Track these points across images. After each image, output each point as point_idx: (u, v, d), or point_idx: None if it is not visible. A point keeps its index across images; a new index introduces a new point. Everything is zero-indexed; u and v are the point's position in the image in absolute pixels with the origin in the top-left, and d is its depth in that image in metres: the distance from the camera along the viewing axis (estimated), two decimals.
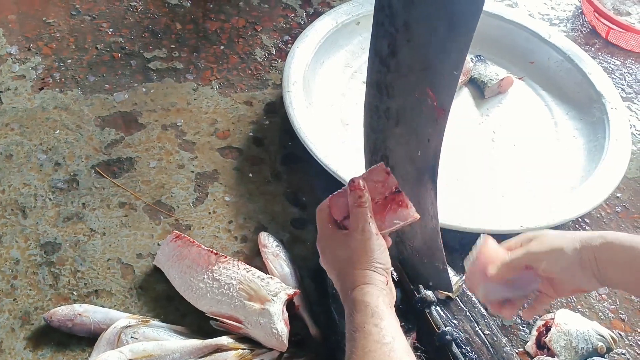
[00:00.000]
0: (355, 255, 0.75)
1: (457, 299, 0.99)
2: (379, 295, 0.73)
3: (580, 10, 1.87)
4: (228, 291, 1.00)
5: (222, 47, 1.57)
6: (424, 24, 0.69)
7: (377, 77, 0.81)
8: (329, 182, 1.19)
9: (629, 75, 1.67)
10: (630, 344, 1.11)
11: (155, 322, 1.01)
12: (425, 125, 0.77)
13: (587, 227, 1.28)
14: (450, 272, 0.99)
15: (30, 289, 1.06)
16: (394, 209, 0.79)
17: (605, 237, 0.76)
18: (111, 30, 1.56)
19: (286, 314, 0.98)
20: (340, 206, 0.80)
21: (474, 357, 0.91)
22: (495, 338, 0.95)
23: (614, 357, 1.08)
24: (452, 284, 0.98)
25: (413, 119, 0.79)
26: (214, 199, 1.23)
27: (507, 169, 1.34)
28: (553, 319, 1.08)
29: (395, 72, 0.77)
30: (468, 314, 0.97)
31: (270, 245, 1.13)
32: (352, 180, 0.78)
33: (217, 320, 0.99)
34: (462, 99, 1.48)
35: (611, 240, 0.75)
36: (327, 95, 1.44)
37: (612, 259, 0.75)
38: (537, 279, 0.80)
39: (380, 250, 0.76)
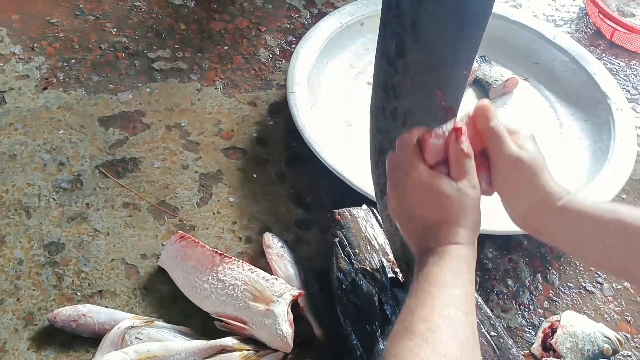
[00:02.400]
0: (457, 210, 0.66)
1: None
2: (471, 259, 0.65)
3: (584, 12, 1.87)
4: (233, 292, 1.00)
5: (226, 48, 1.56)
6: (432, 23, 0.69)
7: (384, 78, 0.80)
8: (334, 183, 1.19)
9: (633, 76, 1.67)
10: (636, 346, 1.10)
11: (159, 322, 1.01)
12: (433, 125, 0.76)
13: None
14: None
15: (33, 289, 1.05)
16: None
17: (570, 201, 0.67)
18: (115, 30, 1.56)
19: (291, 315, 0.97)
20: (438, 150, 0.67)
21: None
22: (501, 340, 0.94)
23: (620, 359, 1.07)
24: None
25: (421, 120, 0.78)
26: (218, 200, 1.23)
27: None
28: (559, 320, 1.07)
29: (403, 72, 0.76)
30: None
31: (274, 246, 1.12)
32: (459, 128, 0.67)
33: (221, 321, 0.99)
34: (467, 100, 1.47)
35: (574, 206, 0.66)
36: (331, 96, 1.44)
37: (569, 229, 0.67)
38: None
39: (476, 211, 0.67)
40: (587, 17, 1.84)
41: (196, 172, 1.27)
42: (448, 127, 0.68)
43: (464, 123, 0.68)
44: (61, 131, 1.31)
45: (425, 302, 0.59)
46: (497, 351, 0.93)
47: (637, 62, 1.71)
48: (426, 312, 0.58)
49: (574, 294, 1.17)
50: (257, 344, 0.97)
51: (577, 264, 1.22)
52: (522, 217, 0.71)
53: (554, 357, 1.04)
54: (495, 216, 1.16)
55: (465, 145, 0.67)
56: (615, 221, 0.65)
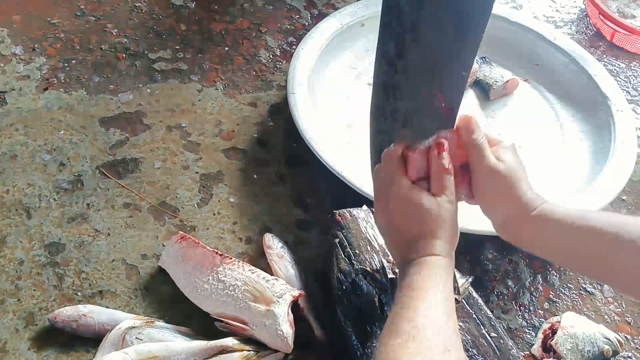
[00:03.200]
0: (435, 223, 0.70)
1: (464, 301, 0.98)
2: (448, 268, 0.69)
3: (584, 13, 1.87)
4: (233, 292, 1.00)
5: (226, 49, 1.57)
6: (432, 24, 0.69)
7: (384, 79, 0.80)
8: (334, 184, 1.19)
9: (634, 77, 1.67)
10: (637, 347, 1.10)
11: (160, 323, 1.01)
12: (433, 126, 0.77)
13: None
14: (457, 275, 0.98)
15: (34, 290, 1.05)
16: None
17: (544, 210, 0.71)
18: (116, 31, 1.56)
19: (291, 316, 0.97)
20: (420, 166, 0.72)
21: (479, 358, 0.91)
22: (501, 341, 0.94)
23: None
24: (459, 286, 0.98)
25: (420, 121, 0.79)
26: (219, 200, 1.23)
27: None
28: (559, 321, 1.07)
29: (403, 73, 0.76)
30: (474, 316, 0.97)
31: (275, 247, 1.12)
32: (441, 143, 0.71)
33: (222, 321, 0.99)
34: (467, 101, 1.47)
35: (549, 215, 0.70)
36: (331, 97, 1.44)
37: (545, 236, 0.71)
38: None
39: (453, 224, 0.72)
40: (588, 19, 1.85)
41: (197, 172, 1.28)
42: (430, 142, 0.71)
43: (447, 137, 0.72)
44: (62, 132, 1.31)
45: (409, 306, 0.64)
46: (498, 352, 0.93)
47: (638, 64, 1.71)
48: (410, 314, 0.63)
49: (574, 295, 1.17)
50: (258, 345, 0.97)
51: None
52: (501, 226, 0.75)
53: (554, 358, 1.04)
54: None
55: (446, 161, 0.71)
56: (585, 227, 0.68)
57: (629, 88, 1.64)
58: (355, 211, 1.10)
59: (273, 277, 1.04)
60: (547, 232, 0.71)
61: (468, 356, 0.91)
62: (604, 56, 1.73)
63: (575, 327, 1.05)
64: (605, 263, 0.68)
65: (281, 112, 1.43)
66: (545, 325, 1.10)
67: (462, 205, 0.83)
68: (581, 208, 0.73)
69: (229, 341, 0.96)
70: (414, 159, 0.72)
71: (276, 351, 0.96)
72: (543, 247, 0.74)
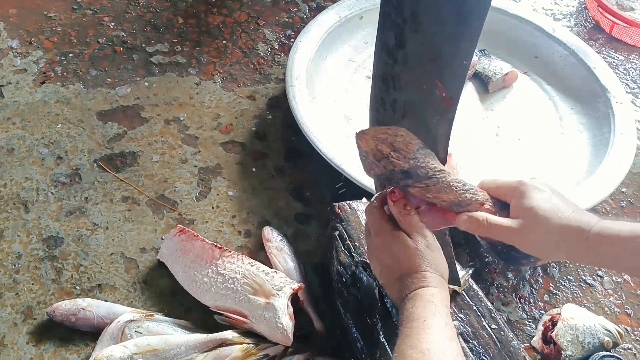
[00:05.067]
0: (419, 258, 0.77)
1: (464, 293, 0.98)
2: (442, 297, 0.75)
3: (583, 5, 1.86)
4: (232, 285, 1.00)
5: (224, 42, 1.56)
6: (432, 13, 0.68)
7: (383, 70, 0.79)
8: (333, 177, 1.19)
9: (633, 70, 1.67)
10: (637, 339, 1.10)
11: (159, 316, 1.00)
12: (433, 117, 0.76)
13: None
14: (457, 266, 0.98)
15: (32, 284, 1.05)
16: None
17: (601, 229, 0.71)
18: (113, 24, 1.55)
19: (291, 308, 0.97)
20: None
21: (480, 351, 0.91)
22: (502, 332, 0.94)
23: (621, 351, 1.07)
24: (459, 278, 0.97)
25: (421, 111, 0.78)
26: (217, 194, 1.23)
27: (511, 164, 1.33)
28: (559, 313, 1.07)
29: (403, 63, 0.76)
30: (475, 308, 0.96)
31: (274, 240, 1.12)
32: (393, 191, 0.78)
33: (221, 314, 0.99)
34: (466, 94, 1.47)
35: (606, 233, 0.71)
36: (330, 90, 1.43)
37: (606, 252, 0.71)
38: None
39: (440, 254, 0.79)
40: (587, 11, 1.84)
41: (195, 166, 1.27)
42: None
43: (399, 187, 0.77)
44: (59, 125, 1.30)
45: (411, 335, 0.70)
46: (498, 344, 0.93)
47: (637, 56, 1.71)
48: (414, 341, 0.69)
49: (574, 287, 1.17)
50: (257, 338, 0.97)
51: None
52: (555, 253, 0.74)
53: (554, 350, 1.04)
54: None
55: (396, 209, 0.78)
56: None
57: (628, 80, 1.63)
58: (354, 203, 1.09)
59: (272, 270, 1.03)
60: (607, 249, 0.71)
61: (469, 347, 0.91)
62: (603, 49, 1.72)
63: (576, 319, 1.05)
64: None
65: (279, 105, 1.42)
66: (546, 317, 1.09)
67: None
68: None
69: (229, 334, 0.96)
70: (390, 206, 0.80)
71: (276, 344, 0.96)
72: (603, 262, 0.75)
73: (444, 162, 0.80)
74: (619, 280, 1.19)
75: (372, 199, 0.84)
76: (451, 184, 0.75)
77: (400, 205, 0.78)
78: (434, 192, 0.75)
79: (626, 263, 0.72)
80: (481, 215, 0.75)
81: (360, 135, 0.76)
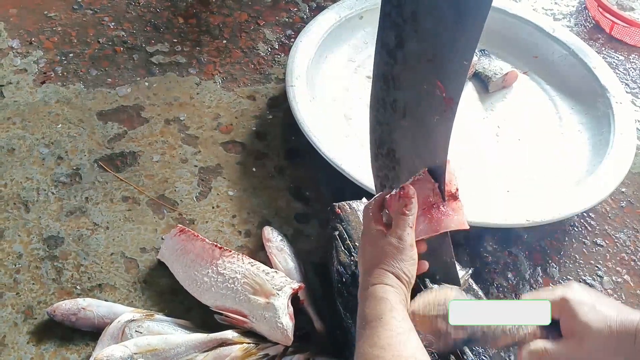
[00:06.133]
0: (384, 256, 0.78)
1: (464, 293, 0.98)
2: (397, 295, 0.75)
3: (583, 5, 1.87)
4: (233, 285, 1.00)
5: (224, 42, 1.56)
6: (432, 13, 0.69)
7: (383, 69, 0.80)
8: (333, 177, 1.19)
9: (633, 70, 1.67)
10: None
11: (159, 316, 1.00)
12: (433, 117, 0.76)
13: (592, 222, 1.28)
14: (457, 266, 0.98)
15: (33, 283, 1.05)
16: (437, 217, 0.81)
17: None
18: (113, 24, 1.55)
19: (291, 308, 0.97)
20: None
21: (480, 351, 0.91)
22: None
23: None
24: (459, 278, 0.97)
25: (421, 111, 0.78)
26: (218, 194, 1.23)
27: (511, 164, 1.33)
28: None
29: (403, 63, 0.76)
30: None
31: (274, 240, 1.12)
32: (403, 187, 0.80)
33: (221, 314, 0.99)
34: (466, 94, 1.47)
35: None
36: (330, 90, 1.43)
37: None
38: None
39: (410, 262, 0.78)
40: (587, 11, 1.84)
41: (195, 166, 1.27)
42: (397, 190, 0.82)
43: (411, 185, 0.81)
44: (60, 125, 1.30)
45: (371, 335, 0.72)
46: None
47: (636, 56, 1.71)
48: (374, 339, 0.71)
49: None
50: (258, 337, 0.97)
51: (577, 257, 1.22)
52: (614, 357, 0.73)
53: None
54: (494, 209, 1.17)
55: (399, 205, 0.80)
56: None
57: (627, 80, 1.64)
58: (354, 203, 1.10)
59: (273, 269, 1.03)
60: None
61: (470, 350, 0.91)
62: (603, 48, 1.73)
63: None
64: None
65: (280, 105, 1.42)
66: None
67: (464, 198, 0.84)
68: None
69: (229, 334, 0.96)
70: (390, 202, 0.82)
71: (276, 343, 0.96)
72: None
73: (444, 162, 0.80)
74: (619, 280, 1.19)
75: (371, 200, 0.85)
76: (504, 329, 0.77)
77: (403, 203, 0.79)
78: (493, 345, 0.78)
79: None
80: (539, 346, 0.75)
81: (412, 317, 0.78)
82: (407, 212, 0.79)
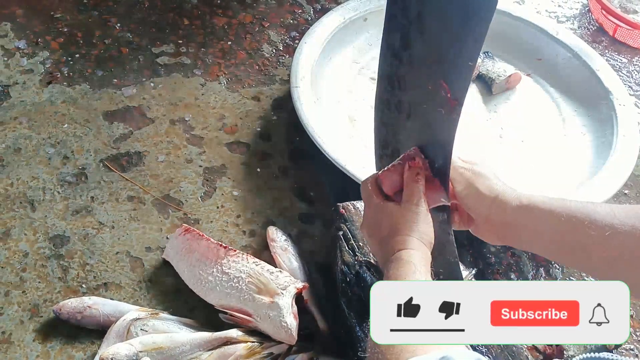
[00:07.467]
0: (404, 224, 0.79)
1: None
2: (421, 258, 0.76)
3: (587, 8, 1.87)
4: (237, 284, 1.00)
5: (229, 43, 1.57)
6: (438, 15, 0.69)
7: (389, 70, 0.80)
8: (337, 177, 1.19)
9: (636, 72, 1.67)
10: (639, 340, 1.11)
11: (164, 314, 1.01)
12: (438, 117, 0.77)
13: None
14: (461, 267, 0.98)
15: (39, 282, 1.06)
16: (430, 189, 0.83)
17: (521, 201, 0.78)
18: (119, 25, 1.56)
19: (295, 308, 0.98)
20: (393, 181, 0.84)
21: (483, 350, 0.91)
22: None
23: (622, 352, 1.08)
24: (463, 278, 0.98)
25: (425, 112, 0.79)
26: (222, 194, 1.23)
27: (515, 165, 1.34)
28: None
29: (408, 64, 0.77)
30: None
31: (278, 240, 1.13)
32: (413, 157, 0.83)
33: (226, 313, 0.99)
34: (470, 95, 1.48)
35: (527, 205, 0.77)
36: (334, 91, 1.44)
37: (525, 225, 0.77)
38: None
39: (429, 225, 0.80)
40: (590, 14, 1.85)
41: (200, 166, 1.28)
42: (399, 161, 0.85)
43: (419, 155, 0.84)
44: (66, 125, 1.31)
45: None
46: (501, 344, 0.93)
47: None
48: None
49: None
50: (262, 336, 0.98)
51: None
52: (486, 222, 0.82)
53: (556, 350, 1.04)
54: None
55: (411, 174, 0.82)
56: (565, 215, 0.74)
57: (631, 83, 1.64)
58: (358, 204, 1.10)
59: (277, 269, 1.04)
60: (534, 223, 0.76)
61: (471, 346, 0.91)
62: (607, 51, 1.73)
63: None
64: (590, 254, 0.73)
65: (284, 106, 1.43)
66: None
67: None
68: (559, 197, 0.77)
69: (233, 332, 0.97)
70: (386, 176, 0.85)
71: (280, 343, 0.97)
72: (531, 240, 0.79)
73: (448, 161, 0.81)
74: None
75: (368, 177, 0.87)
76: None
77: (414, 172, 0.82)
78: None
79: (546, 242, 0.76)
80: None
81: None
82: (419, 179, 0.81)
